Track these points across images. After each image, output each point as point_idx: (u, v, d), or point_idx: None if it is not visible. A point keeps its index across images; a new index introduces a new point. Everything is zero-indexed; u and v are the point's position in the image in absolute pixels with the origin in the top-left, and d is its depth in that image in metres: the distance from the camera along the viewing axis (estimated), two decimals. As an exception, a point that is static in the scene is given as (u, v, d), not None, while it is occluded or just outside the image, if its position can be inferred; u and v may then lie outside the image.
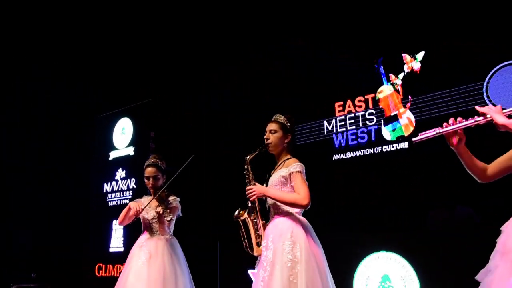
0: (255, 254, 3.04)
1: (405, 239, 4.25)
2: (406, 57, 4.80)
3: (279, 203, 2.99)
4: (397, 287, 4.31)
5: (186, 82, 6.28)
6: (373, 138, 4.94)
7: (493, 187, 3.74)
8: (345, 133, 5.17)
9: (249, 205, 3.06)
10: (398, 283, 4.31)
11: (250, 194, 2.99)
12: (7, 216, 6.50)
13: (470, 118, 2.16)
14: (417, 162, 4.48)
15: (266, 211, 3.15)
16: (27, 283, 6.06)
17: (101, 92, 6.77)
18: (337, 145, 5.19)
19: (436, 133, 2.22)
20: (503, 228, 2.06)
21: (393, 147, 4.76)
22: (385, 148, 4.82)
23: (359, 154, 4.97)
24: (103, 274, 6.07)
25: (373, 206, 4.65)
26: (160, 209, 3.73)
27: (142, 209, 3.73)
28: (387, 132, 4.86)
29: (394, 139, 4.79)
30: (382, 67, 5.00)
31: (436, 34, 4.57)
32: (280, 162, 3.14)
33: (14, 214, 6.57)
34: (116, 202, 6.19)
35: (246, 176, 3.09)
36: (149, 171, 3.93)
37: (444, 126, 2.20)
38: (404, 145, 4.69)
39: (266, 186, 3.11)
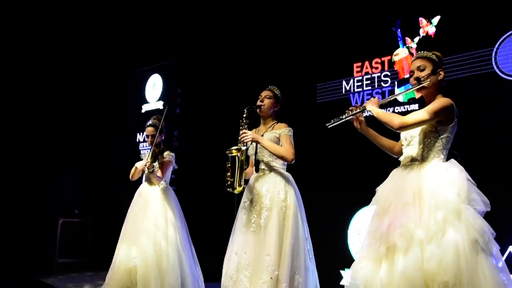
0: (235, 191, 3.41)
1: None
2: (423, 21, 4.90)
3: (271, 159, 3.42)
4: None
5: (212, 42, 6.59)
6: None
7: (481, 148, 4.05)
8: (361, 93, 5.36)
9: (241, 147, 3.37)
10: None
11: (244, 136, 3.32)
12: (56, 163, 7.25)
13: (359, 108, 2.77)
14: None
15: (255, 163, 3.52)
16: (72, 218, 6.86)
17: (136, 49, 7.20)
18: (353, 104, 5.38)
19: (341, 119, 2.76)
20: (377, 189, 2.65)
21: (404, 108, 4.94)
22: (397, 109, 5.00)
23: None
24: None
25: (378, 162, 4.94)
26: (146, 163, 4.30)
27: (145, 165, 4.33)
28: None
29: (406, 100, 4.96)
30: (399, 30, 5.13)
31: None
32: (269, 125, 3.56)
33: (63, 161, 7.32)
34: (147, 150, 6.56)
35: (242, 123, 3.43)
36: (148, 130, 4.52)
37: (346, 112, 2.76)
38: (415, 106, 4.86)
39: (255, 148, 3.49)
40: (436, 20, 4.80)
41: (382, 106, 2.87)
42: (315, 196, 5.30)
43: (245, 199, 3.48)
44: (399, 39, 5.11)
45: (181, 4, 6.60)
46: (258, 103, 3.55)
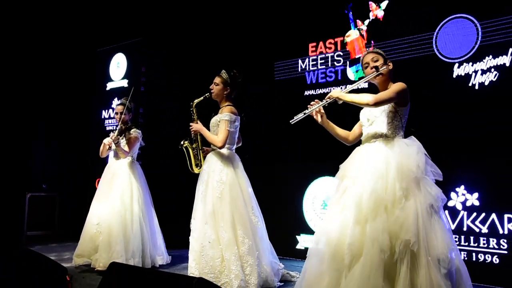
0: (195, 172, 4.03)
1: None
2: (372, 5, 5.17)
3: None
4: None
5: (174, 22, 6.75)
6: (339, 77, 5.43)
7: (432, 137, 4.48)
8: (316, 72, 5.64)
9: (192, 136, 4.01)
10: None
11: (190, 129, 3.95)
12: (26, 139, 7.35)
13: (322, 101, 3.04)
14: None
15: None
16: (39, 192, 7.02)
17: (100, 29, 7.28)
18: (308, 82, 5.67)
19: (305, 114, 3.02)
20: (341, 166, 2.99)
21: (355, 87, 5.31)
22: (348, 87, 5.36)
23: (327, 91, 5.33)
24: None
25: (332, 137, 5.35)
26: (112, 136, 4.65)
27: (112, 141, 4.68)
28: (351, 73, 5.34)
29: (357, 79, 5.22)
30: (351, 13, 5.44)
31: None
32: (220, 108, 4.02)
33: (31, 136, 7.43)
34: (112, 127, 6.70)
35: (192, 115, 3.96)
36: (118, 108, 4.83)
37: (308, 107, 3.03)
38: (365, 85, 5.11)
39: None
40: (384, 4, 5.10)
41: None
42: (274, 167, 5.71)
43: (200, 173, 4.00)
44: (350, 21, 5.39)
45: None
46: (211, 90, 4.02)
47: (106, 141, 4.79)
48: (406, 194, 2.63)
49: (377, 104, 2.85)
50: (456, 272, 2.59)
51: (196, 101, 4.03)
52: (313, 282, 2.73)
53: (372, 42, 5.18)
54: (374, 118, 2.97)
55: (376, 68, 2.99)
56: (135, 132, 4.80)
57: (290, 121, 3.08)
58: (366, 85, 4.73)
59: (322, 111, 3.14)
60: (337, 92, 3.00)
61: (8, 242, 5.96)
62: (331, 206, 2.94)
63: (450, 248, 2.56)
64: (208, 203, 3.76)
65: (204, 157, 4.02)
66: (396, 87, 2.91)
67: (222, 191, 3.76)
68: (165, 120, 6.43)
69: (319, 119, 3.14)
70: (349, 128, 3.30)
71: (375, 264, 2.51)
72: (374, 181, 2.71)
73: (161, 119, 6.48)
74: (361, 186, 2.76)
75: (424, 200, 2.64)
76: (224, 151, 3.92)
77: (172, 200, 6.17)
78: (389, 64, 3.03)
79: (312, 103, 3.09)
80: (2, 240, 5.87)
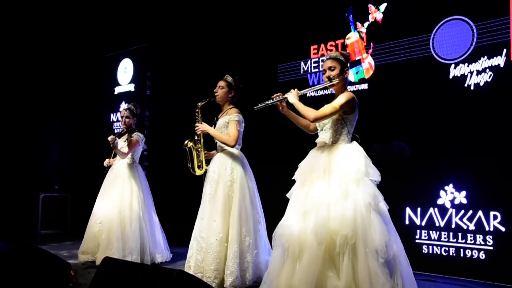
0: (196, 174, 4.11)
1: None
2: (371, 7, 5.25)
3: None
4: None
5: (178, 28, 6.93)
6: (340, 79, 5.59)
7: (423, 136, 4.55)
8: (318, 73, 5.73)
9: (195, 138, 4.08)
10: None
11: (196, 129, 4.01)
12: (39, 142, 7.64)
13: (281, 96, 3.21)
14: (374, 103, 5.07)
15: (214, 145, 4.14)
16: (52, 193, 7.29)
17: (108, 35, 7.53)
18: (311, 83, 5.75)
19: (266, 104, 3.21)
20: (299, 165, 3.19)
21: (355, 87, 5.33)
22: (349, 88, 5.43)
23: (328, 93, 5.39)
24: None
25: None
26: (111, 138, 4.81)
27: (109, 139, 4.84)
28: (351, 74, 5.37)
29: (357, 80, 5.34)
30: (351, 16, 5.53)
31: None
32: (224, 111, 4.10)
33: (44, 140, 7.70)
34: (120, 130, 6.95)
35: (196, 117, 4.04)
36: (123, 112, 5.03)
37: (272, 98, 3.22)
38: (365, 86, 5.27)
39: (214, 127, 4.07)
40: (383, 7, 5.17)
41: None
42: (273, 168, 5.82)
43: (207, 174, 4.08)
44: (351, 24, 5.47)
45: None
46: (215, 93, 4.10)
47: (105, 162, 5.15)
48: (346, 195, 2.86)
49: (316, 120, 3.06)
50: (394, 260, 2.80)
51: (200, 103, 4.09)
52: (276, 271, 2.98)
53: (372, 44, 5.26)
54: (323, 125, 3.17)
55: (329, 78, 3.15)
56: (136, 136, 5.00)
57: (255, 107, 3.25)
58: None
59: (284, 103, 3.26)
60: (292, 96, 3.17)
61: (22, 240, 6.21)
62: (290, 201, 3.17)
63: (386, 240, 2.77)
64: (218, 201, 3.86)
65: (206, 159, 4.13)
66: (340, 99, 3.06)
67: (232, 189, 3.89)
68: (170, 122, 6.61)
69: (281, 109, 3.27)
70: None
71: (315, 255, 2.77)
72: (316, 184, 2.98)
73: (165, 121, 6.68)
74: (306, 186, 3.04)
75: (363, 199, 2.85)
76: (235, 150, 4.02)
77: (175, 198, 6.35)
78: (346, 72, 3.18)
79: (275, 95, 3.24)
80: (17, 239, 6.12)
